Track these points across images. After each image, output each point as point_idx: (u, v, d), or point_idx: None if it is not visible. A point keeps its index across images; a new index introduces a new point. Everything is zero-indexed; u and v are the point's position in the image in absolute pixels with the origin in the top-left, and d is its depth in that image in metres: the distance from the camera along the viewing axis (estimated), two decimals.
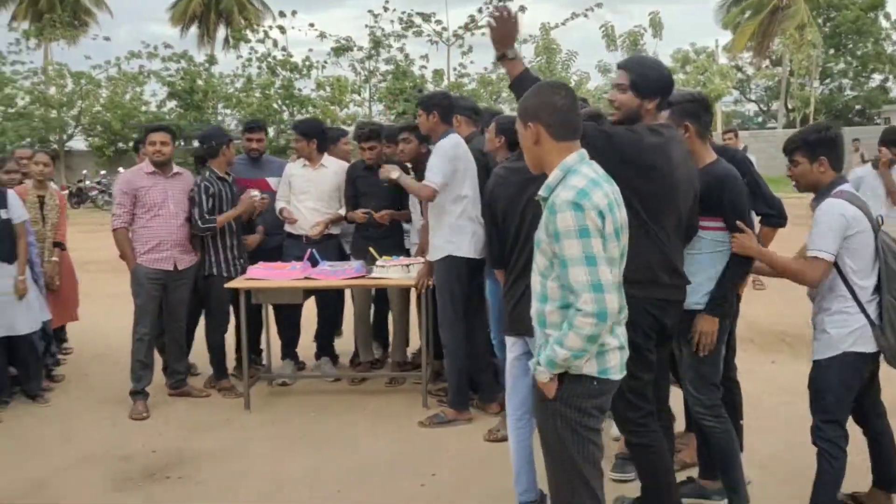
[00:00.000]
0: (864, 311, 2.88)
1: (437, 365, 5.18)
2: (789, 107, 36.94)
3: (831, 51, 40.79)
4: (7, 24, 37.09)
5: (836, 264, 2.88)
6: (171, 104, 31.76)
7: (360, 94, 33.87)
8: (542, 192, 2.35)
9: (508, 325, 3.26)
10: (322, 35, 27.62)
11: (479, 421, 4.50)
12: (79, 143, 32.37)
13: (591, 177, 2.29)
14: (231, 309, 5.14)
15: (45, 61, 32.99)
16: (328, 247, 5.27)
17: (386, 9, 26.77)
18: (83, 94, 30.01)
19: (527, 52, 29.18)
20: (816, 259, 2.86)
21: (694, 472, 3.47)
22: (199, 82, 31.15)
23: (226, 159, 5.03)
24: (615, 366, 2.31)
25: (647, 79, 2.83)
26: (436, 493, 3.62)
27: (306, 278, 4.77)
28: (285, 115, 32.33)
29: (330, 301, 5.52)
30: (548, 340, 2.29)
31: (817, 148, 2.96)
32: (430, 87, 32.11)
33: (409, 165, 4.95)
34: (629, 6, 57.75)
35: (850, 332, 2.88)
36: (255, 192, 5.10)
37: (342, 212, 5.28)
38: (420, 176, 4.57)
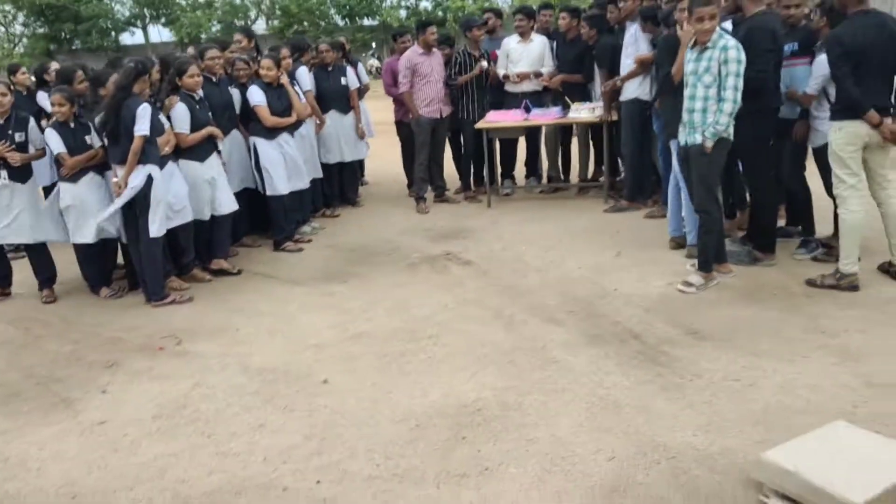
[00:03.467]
0: None
1: (610, 180, 7.47)
2: None
3: None
4: None
5: None
6: None
7: None
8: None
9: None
10: None
11: (643, 210, 6.83)
12: (257, 28, 35.70)
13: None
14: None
15: None
16: (536, 98, 7.60)
17: None
18: None
19: None
20: None
21: None
22: None
23: (472, 38, 7.40)
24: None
25: None
26: (624, 239, 6.06)
27: (526, 119, 7.17)
28: None
29: (532, 138, 7.92)
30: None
31: None
32: None
33: None
34: None
35: None
36: (483, 63, 7.46)
37: (543, 70, 7.52)
38: None
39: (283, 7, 32.49)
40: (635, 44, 6.43)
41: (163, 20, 35.08)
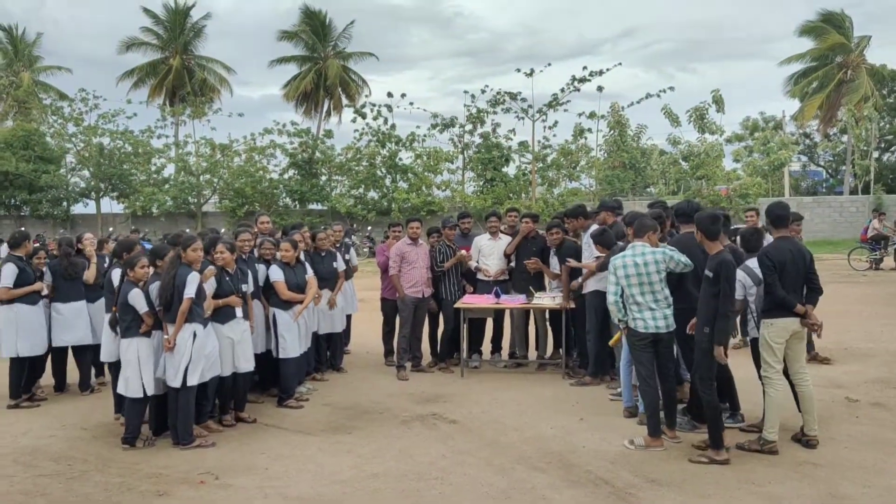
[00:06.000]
0: None
1: (567, 359, 8.66)
2: (855, 173, 38.72)
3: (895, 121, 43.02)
4: (145, 100, 42.63)
5: None
6: (291, 172, 36.34)
7: (452, 163, 37.94)
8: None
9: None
10: (434, 116, 32.20)
11: (600, 385, 7.97)
12: (208, 206, 37.18)
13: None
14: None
15: (184, 135, 37.92)
16: (504, 286, 8.93)
17: (483, 91, 31.26)
18: (224, 164, 34.82)
19: (602, 126, 33.01)
20: None
21: None
22: (317, 154, 35.67)
23: (446, 235, 8.81)
24: (642, 327, 5.90)
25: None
26: (584, 407, 7.11)
27: (497, 303, 8.44)
28: (388, 181, 36.57)
29: (499, 320, 9.17)
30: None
31: None
32: (516, 158, 36.03)
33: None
34: (700, 64, 61.10)
35: None
36: (463, 252, 8.85)
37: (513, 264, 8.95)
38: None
39: (236, 189, 34.20)
40: (589, 248, 7.93)
41: (116, 193, 36.30)
